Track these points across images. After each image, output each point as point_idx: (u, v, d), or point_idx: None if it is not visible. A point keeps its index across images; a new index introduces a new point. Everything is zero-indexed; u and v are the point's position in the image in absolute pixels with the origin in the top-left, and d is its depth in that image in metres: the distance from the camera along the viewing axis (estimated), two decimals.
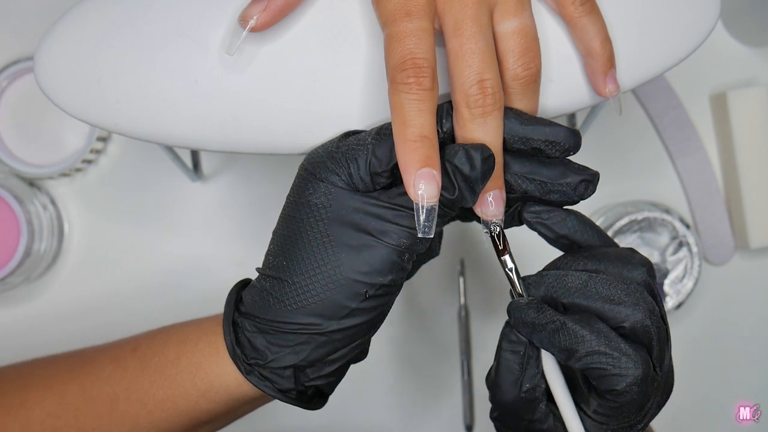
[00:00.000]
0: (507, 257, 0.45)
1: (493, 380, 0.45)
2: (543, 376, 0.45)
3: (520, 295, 0.44)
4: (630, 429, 0.44)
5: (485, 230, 0.45)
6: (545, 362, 0.44)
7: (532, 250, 0.54)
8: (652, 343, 0.43)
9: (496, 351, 0.45)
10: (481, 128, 0.42)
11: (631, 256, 0.45)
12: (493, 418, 0.47)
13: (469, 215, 0.46)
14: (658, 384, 0.43)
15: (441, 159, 0.42)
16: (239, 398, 0.47)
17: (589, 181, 0.44)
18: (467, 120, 0.42)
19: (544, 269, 0.46)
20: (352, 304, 0.44)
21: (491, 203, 0.44)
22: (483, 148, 0.42)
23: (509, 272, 0.45)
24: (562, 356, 0.43)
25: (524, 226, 0.47)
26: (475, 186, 0.42)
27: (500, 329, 0.45)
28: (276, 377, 0.45)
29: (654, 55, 0.49)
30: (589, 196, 0.45)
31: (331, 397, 0.49)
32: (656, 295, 0.45)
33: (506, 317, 0.45)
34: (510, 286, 0.45)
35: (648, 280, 0.45)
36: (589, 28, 0.45)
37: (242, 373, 0.46)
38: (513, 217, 0.47)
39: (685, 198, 0.77)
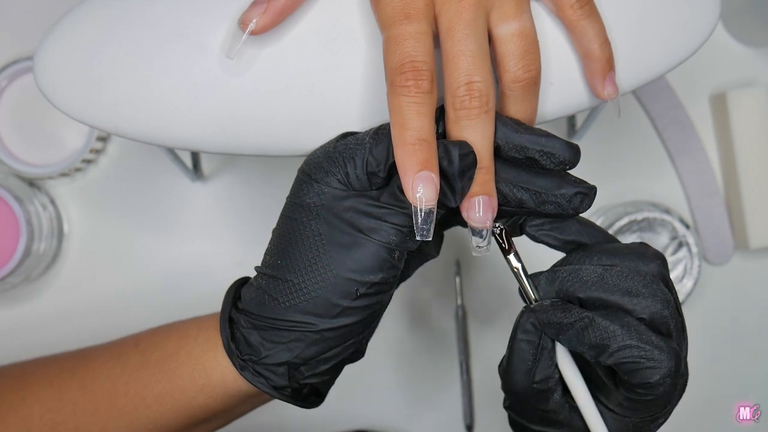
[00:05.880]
0: (512, 256, 0.44)
1: (505, 369, 0.45)
2: (556, 368, 0.44)
3: (533, 300, 0.44)
4: (652, 422, 0.44)
5: (475, 236, 0.43)
6: (560, 355, 0.44)
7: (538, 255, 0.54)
8: (671, 334, 0.43)
9: (510, 340, 0.44)
10: (467, 130, 0.42)
11: (644, 249, 0.45)
12: (506, 407, 0.47)
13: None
14: (685, 378, 0.43)
15: None
16: (236, 394, 0.48)
17: (584, 194, 0.44)
18: (453, 121, 0.42)
19: (554, 265, 0.45)
20: (344, 303, 0.44)
21: (478, 208, 0.43)
22: (462, 145, 0.42)
23: (517, 271, 0.44)
24: (592, 353, 0.42)
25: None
26: (453, 183, 0.42)
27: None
28: (270, 374, 0.46)
29: (654, 56, 0.48)
30: (585, 209, 0.44)
31: (330, 398, 0.49)
32: (671, 288, 0.44)
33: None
34: (518, 284, 0.44)
35: (663, 272, 0.44)
36: (588, 31, 0.45)
37: (236, 369, 0.46)
38: (514, 227, 0.46)
39: (684, 198, 0.77)
